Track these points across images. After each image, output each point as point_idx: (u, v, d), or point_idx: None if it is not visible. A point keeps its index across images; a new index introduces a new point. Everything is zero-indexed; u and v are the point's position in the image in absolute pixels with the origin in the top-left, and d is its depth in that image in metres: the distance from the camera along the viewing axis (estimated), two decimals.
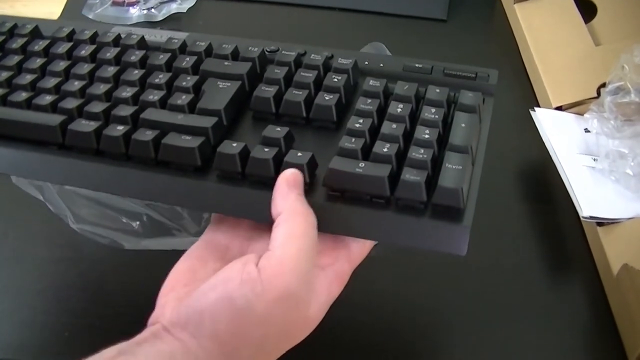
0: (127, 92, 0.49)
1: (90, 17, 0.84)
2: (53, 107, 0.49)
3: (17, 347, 0.55)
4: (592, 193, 0.58)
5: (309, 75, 0.49)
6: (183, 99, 0.47)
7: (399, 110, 0.45)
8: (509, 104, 0.72)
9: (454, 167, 0.41)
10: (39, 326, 0.56)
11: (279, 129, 0.44)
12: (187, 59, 0.51)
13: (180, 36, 0.54)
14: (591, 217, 0.56)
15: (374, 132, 0.45)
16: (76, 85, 0.50)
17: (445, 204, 0.40)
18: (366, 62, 0.51)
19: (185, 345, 0.37)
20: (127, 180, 0.46)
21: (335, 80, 0.48)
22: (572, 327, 0.56)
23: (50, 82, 0.51)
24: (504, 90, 0.73)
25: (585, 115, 0.64)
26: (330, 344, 0.55)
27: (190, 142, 0.44)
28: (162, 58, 0.52)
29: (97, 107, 0.48)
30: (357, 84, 0.50)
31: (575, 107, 0.67)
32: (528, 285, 0.58)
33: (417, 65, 0.50)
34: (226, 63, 0.51)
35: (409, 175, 0.41)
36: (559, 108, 0.67)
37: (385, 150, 0.42)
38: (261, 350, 0.38)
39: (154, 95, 0.48)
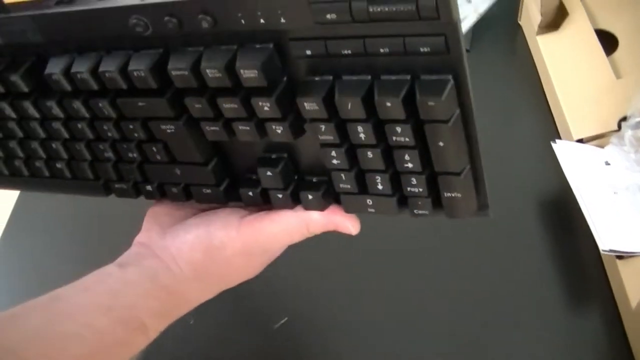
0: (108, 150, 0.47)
1: None
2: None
3: None
4: (611, 226, 0.56)
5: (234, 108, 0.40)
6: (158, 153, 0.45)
7: (362, 136, 0.38)
8: (531, 135, 0.72)
9: (452, 195, 0.39)
10: None
11: (269, 173, 0.43)
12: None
13: None
14: (610, 250, 0.55)
15: (352, 151, 0.39)
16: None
17: None
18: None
19: (166, 264, 0.45)
20: None
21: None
22: (590, 358, 0.57)
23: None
24: (526, 122, 0.74)
25: (606, 148, 0.63)
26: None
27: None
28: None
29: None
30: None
31: (596, 139, 0.65)
32: (546, 315, 0.58)
33: (328, 16, 0.34)
34: (141, 104, 0.42)
35: (417, 210, 0.41)
36: (580, 140, 0.66)
37: (380, 188, 0.40)
38: (222, 280, 0.47)
39: (132, 152, 0.46)
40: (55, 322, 0.42)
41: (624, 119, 0.63)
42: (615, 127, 0.65)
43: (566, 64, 0.74)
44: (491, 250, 0.63)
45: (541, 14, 0.76)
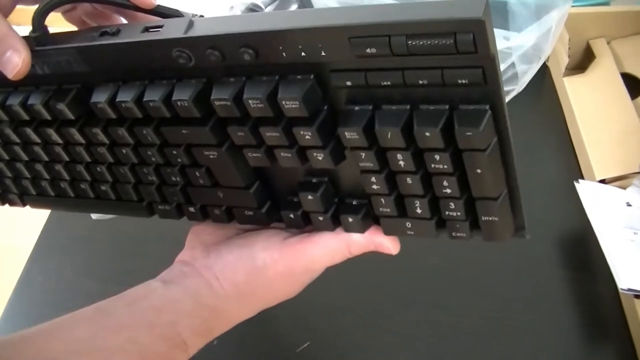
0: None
1: None
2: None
3: None
4: (631, 265, 0.57)
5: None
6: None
7: (401, 163, 0.38)
8: (555, 174, 0.73)
9: (490, 219, 0.40)
10: None
11: (310, 197, 0.43)
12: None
13: None
14: (629, 289, 0.55)
15: (391, 177, 0.40)
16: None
17: None
18: (303, 54, 0.37)
19: (209, 282, 0.46)
20: None
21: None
22: None
23: None
24: (551, 161, 0.75)
25: (628, 189, 0.64)
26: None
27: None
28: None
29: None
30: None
31: (619, 180, 0.66)
32: (563, 353, 0.58)
33: (368, 50, 0.35)
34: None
35: (455, 232, 0.41)
36: (603, 181, 0.67)
37: (419, 211, 0.41)
38: (263, 300, 0.48)
39: (176, 177, 0.48)
40: (100, 336, 0.42)
41: None
42: (638, 169, 0.66)
43: (591, 105, 0.75)
44: (510, 285, 0.64)
45: (568, 56, 0.78)
